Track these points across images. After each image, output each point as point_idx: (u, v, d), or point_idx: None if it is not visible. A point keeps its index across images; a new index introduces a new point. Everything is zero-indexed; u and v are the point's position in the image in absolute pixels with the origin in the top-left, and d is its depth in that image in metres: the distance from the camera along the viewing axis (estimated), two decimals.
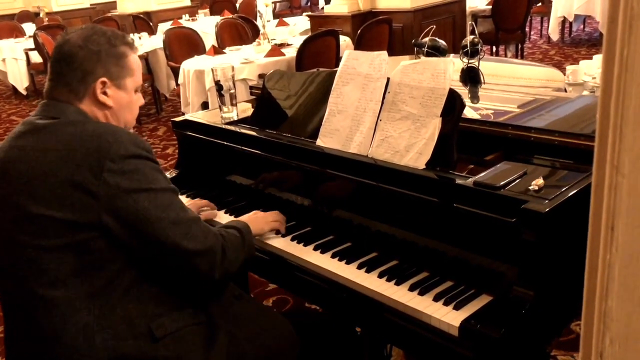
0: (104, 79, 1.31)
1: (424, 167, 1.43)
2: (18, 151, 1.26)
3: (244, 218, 1.60)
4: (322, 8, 6.17)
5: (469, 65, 2.05)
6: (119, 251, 1.23)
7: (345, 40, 5.06)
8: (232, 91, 2.03)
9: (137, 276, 1.27)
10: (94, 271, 1.22)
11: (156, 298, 1.29)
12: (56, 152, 1.22)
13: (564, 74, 2.47)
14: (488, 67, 2.10)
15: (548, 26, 7.86)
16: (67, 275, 1.21)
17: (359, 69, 1.64)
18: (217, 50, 5.11)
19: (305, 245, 1.58)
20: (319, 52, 4.58)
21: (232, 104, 2.04)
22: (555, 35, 7.70)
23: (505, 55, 6.88)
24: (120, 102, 1.35)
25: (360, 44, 4.92)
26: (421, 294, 1.32)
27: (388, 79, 1.57)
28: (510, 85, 2.12)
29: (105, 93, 1.32)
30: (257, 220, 1.59)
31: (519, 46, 6.72)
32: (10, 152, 1.28)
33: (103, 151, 1.20)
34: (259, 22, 5.61)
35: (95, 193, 1.19)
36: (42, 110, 1.32)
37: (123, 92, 1.36)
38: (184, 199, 1.95)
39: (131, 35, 6.25)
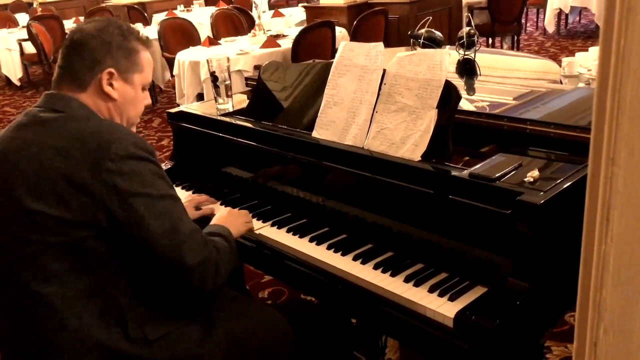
0: (111, 69, 1.30)
1: (420, 159, 1.43)
2: (20, 143, 1.24)
3: (221, 220, 1.54)
4: None
5: (465, 57, 2.04)
6: (115, 253, 1.22)
7: (341, 32, 5.05)
8: (228, 82, 2.02)
9: (131, 279, 1.25)
10: (90, 271, 1.21)
11: (150, 301, 1.27)
12: (56, 148, 1.20)
13: (560, 66, 2.47)
14: (484, 59, 2.10)
15: (544, 18, 7.86)
16: (63, 272, 1.20)
17: (355, 61, 1.64)
18: (213, 41, 5.08)
19: (301, 237, 1.58)
20: (314, 44, 4.56)
21: (227, 96, 2.03)
22: (551, 27, 7.70)
23: (501, 47, 6.88)
24: (125, 96, 1.34)
25: (356, 36, 4.91)
26: (416, 285, 1.32)
27: (384, 70, 1.57)
28: (506, 77, 2.12)
29: (111, 85, 1.31)
30: (235, 223, 1.55)
31: (515, 38, 6.73)
32: (11, 143, 1.25)
33: (103, 150, 1.18)
34: (254, 13, 5.57)
35: (92, 192, 1.16)
36: (46, 102, 1.30)
37: (130, 86, 1.34)
38: (179, 190, 1.95)
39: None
